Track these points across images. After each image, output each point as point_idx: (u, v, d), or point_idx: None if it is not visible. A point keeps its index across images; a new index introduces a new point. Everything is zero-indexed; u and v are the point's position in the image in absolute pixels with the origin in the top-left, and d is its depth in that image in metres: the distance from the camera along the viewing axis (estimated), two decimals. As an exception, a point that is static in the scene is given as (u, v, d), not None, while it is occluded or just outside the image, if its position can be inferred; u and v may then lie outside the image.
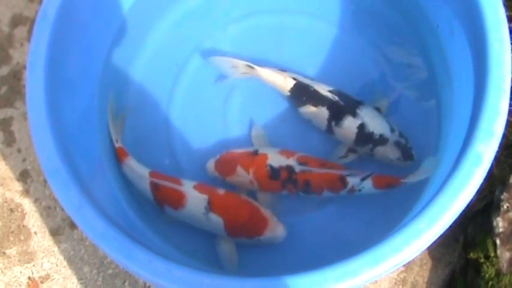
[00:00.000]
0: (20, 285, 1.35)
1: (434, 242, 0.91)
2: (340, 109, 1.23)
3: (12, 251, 1.37)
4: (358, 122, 1.22)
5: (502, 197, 1.18)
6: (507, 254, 1.15)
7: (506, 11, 1.02)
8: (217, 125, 1.33)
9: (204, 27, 1.40)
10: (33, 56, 1.06)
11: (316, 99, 1.25)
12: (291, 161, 1.19)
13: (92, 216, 0.95)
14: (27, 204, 1.40)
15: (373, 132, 1.21)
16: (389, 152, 1.21)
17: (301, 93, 1.27)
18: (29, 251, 1.36)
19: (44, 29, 1.08)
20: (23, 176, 1.42)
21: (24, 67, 1.50)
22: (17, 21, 1.54)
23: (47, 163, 0.99)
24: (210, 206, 1.16)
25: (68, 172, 0.99)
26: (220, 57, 1.32)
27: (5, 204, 1.40)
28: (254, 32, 1.39)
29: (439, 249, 1.29)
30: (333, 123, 1.24)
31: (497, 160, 0.95)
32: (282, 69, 1.29)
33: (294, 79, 1.27)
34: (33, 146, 1.01)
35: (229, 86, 1.35)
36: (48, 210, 1.39)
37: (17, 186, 1.41)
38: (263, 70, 1.28)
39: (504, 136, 0.96)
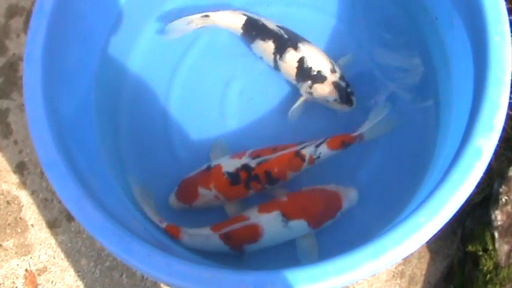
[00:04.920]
0: (17, 278, 1.34)
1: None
2: (283, 42, 1.26)
3: (9, 243, 1.36)
4: (298, 55, 1.25)
5: (501, 190, 1.18)
6: (505, 247, 1.16)
7: (506, 4, 1.01)
8: (214, 117, 1.32)
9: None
10: (30, 48, 1.05)
11: (264, 33, 1.29)
12: (244, 160, 1.18)
13: (90, 209, 0.95)
14: (24, 197, 1.39)
15: (311, 68, 1.23)
16: (326, 91, 1.23)
17: (252, 29, 1.31)
18: (26, 244, 1.36)
19: (40, 21, 1.07)
20: (20, 168, 1.41)
21: (21, 58, 1.49)
22: (13, 11, 1.53)
23: (44, 156, 0.98)
24: (287, 217, 1.13)
25: (66, 165, 0.98)
26: (173, 21, 1.33)
27: (2, 196, 1.39)
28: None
29: (437, 241, 1.30)
30: (278, 56, 1.27)
31: (496, 153, 0.94)
32: (234, 9, 1.34)
33: (245, 15, 1.31)
34: (29, 137, 1.01)
35: (228, 78, 1.34)
36: (45, 202, 1.39)
37: (14, 178, 1.41)
38: (217, 14, 1.32)
39: (503, 129, 0.96)
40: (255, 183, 1.18)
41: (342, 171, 1.22)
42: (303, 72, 1.24)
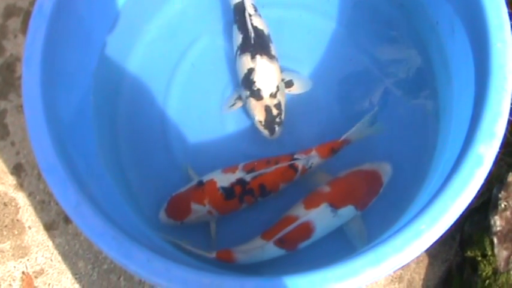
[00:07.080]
0: (13, 280, 1.34)
1: (432, 240, 0.90)
2: (248, 44, 1.27)
3: (5, 245, 1.35)
4: (250, 65, 1.25)
5: (500, 195, 1.18)
6: (504, 253, 1.16)
7: (508, 9, 1.01)
8: (213, 119, 1.32)
9: (202, 21, 1.38)
10: (29, 51, 1.05)
11: (242, 24, 1.29)
12: (239, 174, 1.18)
13: (90, 214, 0.94)
14: (21, 198, 1.38)
15: (254, 82, 1.24)
16: (256, 110, 1.24)
17: (237, 13, 1.31)
18: (23, 246, 1.35)
19: (40, 23, 1.06)
20: (17, 170, 1.40)
21: (18, 59, 1.48)
22: (10, 12, 1.52)
23: (43, 160, 0.97)
24: (335, 206, 1.14)
25: (65, 169, 0.97)
26: None
27: (-1, 198, 1.39)
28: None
29: (436, 246, 1.29)
30: (238, 52, 1.28)
31: (496, 158, 0.94)
32: None
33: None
34: (27, 139, 1.00)
35: (226, 81, 1.34)
36: (43, 204, 1.38)
37: (11, 180, 1.40)
38: None
39: (504, 135, 0.95)
40: (249, 197, 1.18)
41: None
42: (247, 81, 1.25)
